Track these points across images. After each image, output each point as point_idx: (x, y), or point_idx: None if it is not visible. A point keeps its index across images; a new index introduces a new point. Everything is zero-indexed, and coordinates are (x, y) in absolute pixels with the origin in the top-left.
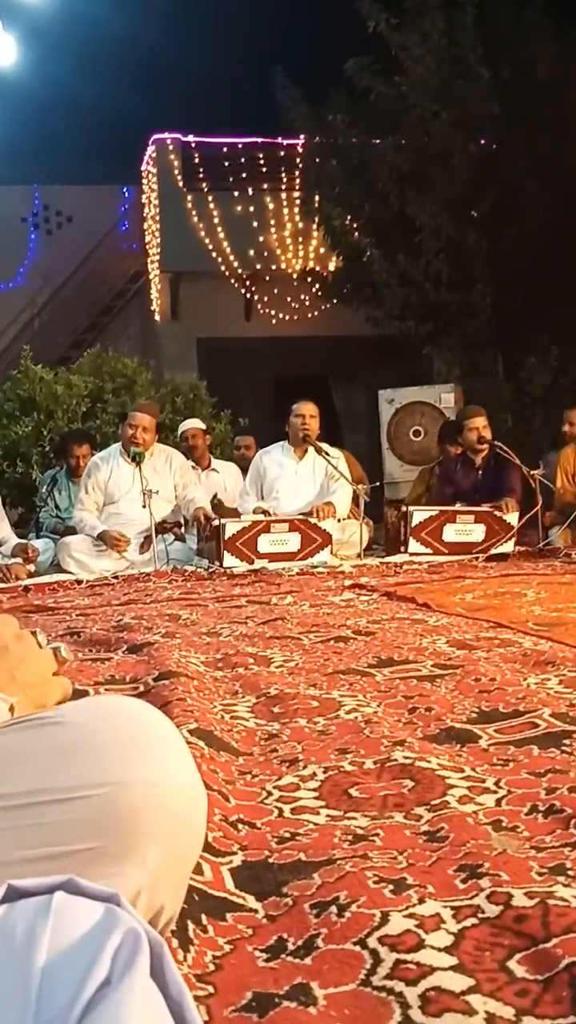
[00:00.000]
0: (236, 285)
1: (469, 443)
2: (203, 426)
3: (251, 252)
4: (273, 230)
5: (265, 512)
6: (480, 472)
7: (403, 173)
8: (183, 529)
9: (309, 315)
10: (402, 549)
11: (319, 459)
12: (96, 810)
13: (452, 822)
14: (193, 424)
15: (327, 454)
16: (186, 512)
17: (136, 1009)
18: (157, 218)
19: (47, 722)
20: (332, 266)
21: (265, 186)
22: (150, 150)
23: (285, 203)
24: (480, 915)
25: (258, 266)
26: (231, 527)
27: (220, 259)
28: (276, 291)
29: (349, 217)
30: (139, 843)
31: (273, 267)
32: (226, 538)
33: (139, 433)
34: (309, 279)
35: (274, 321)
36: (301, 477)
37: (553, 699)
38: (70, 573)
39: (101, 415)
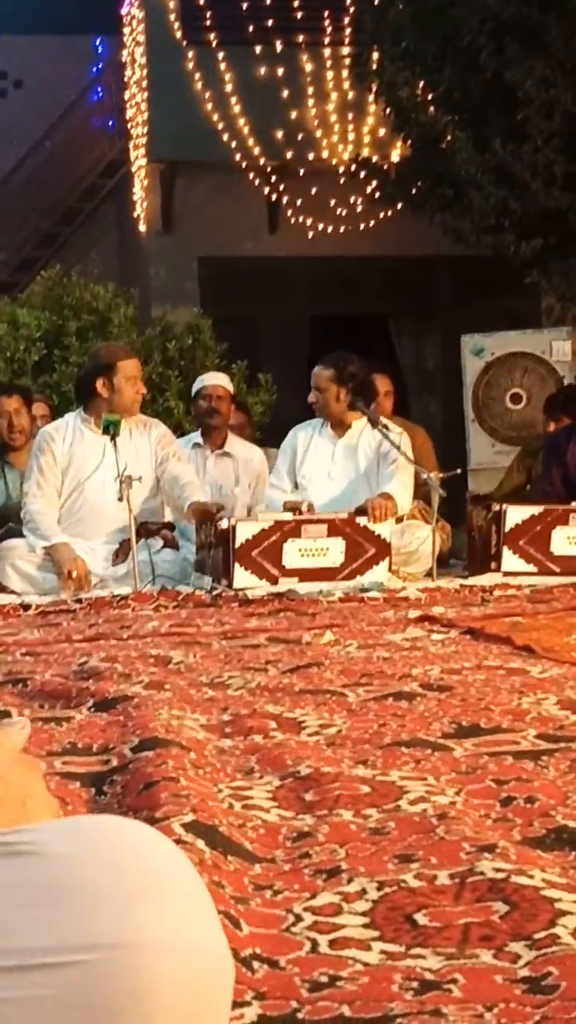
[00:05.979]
0: (257, 182)
1: None
2: (231, 387)
3: (279, 134)
4: (311, 103)
5: (297, 508)
6: None
7: (501, 22)
8: (175, 532)
9: (362, 226)
10: (492, 566)
11: (370, 433)
12: (79, 985)
13: (564, 965)
14: (217, 379)
15: (385, 427)
16: (171, 501)
17: None
18: (144, 84)
19: (17, 850)
20: (396, 155)
21: (300, 39)
22: None
23: (329, 64)
24: None
25: (289, 155)
26: (244, 529)
27: (234, 144)
28: (314, 191)
29: (422, 84)
30: None
31: (310, 156)
32: (237, 545)
33: None
34: (363, 174)
35: (311, 235)
36: (340, 461)
37: None
38: (13, 593)
39: (61, 367)
